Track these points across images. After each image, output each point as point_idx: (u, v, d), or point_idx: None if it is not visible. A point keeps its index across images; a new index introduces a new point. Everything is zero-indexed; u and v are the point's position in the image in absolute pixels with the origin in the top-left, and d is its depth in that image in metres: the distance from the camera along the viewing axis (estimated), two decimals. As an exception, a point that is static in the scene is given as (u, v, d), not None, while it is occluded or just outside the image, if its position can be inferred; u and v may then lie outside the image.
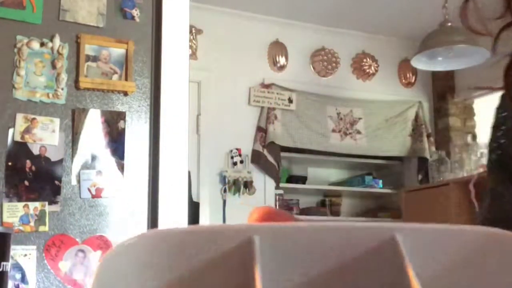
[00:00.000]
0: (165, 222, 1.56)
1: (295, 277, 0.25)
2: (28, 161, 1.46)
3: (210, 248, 0.25)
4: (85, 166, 1.52)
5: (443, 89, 4.65)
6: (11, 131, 1.46)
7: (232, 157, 4.00)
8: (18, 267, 1.39)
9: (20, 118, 1.47)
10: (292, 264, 0.25)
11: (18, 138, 1.46)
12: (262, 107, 4.14)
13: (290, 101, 4.21)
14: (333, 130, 4.33)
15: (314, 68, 4.44)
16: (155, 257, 0.25)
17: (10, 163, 1.45)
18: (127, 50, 1.59)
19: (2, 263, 0.81)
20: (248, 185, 3.97)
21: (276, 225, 0.26)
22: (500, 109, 0.65)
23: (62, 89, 1.52)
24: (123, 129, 1.57)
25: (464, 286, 0.24)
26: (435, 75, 4.63)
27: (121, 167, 1.55)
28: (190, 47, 3.79)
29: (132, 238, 0.25)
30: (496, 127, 0.64)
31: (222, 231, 0.25)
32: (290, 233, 0.25)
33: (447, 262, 0.24)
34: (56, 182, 1.48)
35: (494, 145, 0.64)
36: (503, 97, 0.65)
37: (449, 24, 3.34)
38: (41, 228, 1.44)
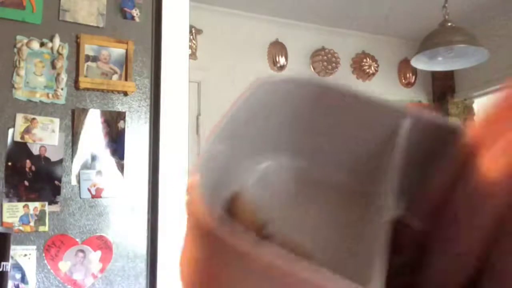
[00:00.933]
0: (165, 222, 1.56)
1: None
2: (28, 161, 1.46)
3: (359, 118, 0.25)
4: (85, 166, 1.52)
5: (443, 89, 4.65)
6: (11, 131, 1.46)
7: (232, 157, 4.00)
8: (18, 267, 1.39)
9: (20, 118, 1.47)
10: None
11: (18, 138, 1.46)
12: (262, 107, 4.13)
13: (290, 101, 4.21)
14: (333, 130, 4.33)
15: (314, 68, 4.44)
16: (308, 102, 0.25)
17: (10, 163, 1.45)
18: (127, 50, 1.59)
19: (2, 263, 0.81)
20: (248, 185, 3.97)
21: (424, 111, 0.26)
22: None
23: (62, 89, 1.52)
24: (123, 129, 1.57)
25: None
26: (435, 75, 4.63)
27: (121, 167, 1.55)
28: (190, 47, 3.80)
29: (299, 76, 0.26)
30: None
31: (376, 104, 0.26)
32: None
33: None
34: (56, 182, 1.48)
35: None
36: None
37: (449, 24, 3.34)
38: (41, 228, 1.44)
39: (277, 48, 4.32)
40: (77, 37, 1.56)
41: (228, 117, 0.23)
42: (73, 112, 1.53)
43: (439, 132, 0.24)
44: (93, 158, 1.53)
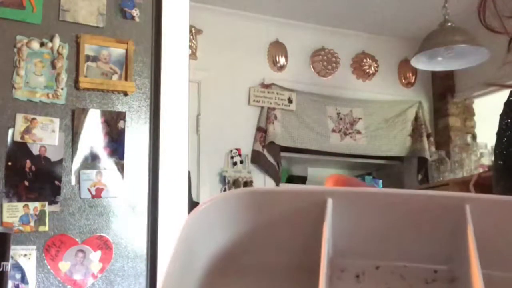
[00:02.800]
0: (165, 222, 1.56)
1: (363, 236, 0.27)
2: (28, 161, 1.46)
3: (287, 205, 0.28)
4: (85, 166, 1.52)
5: (443, 89, 4.65)
6: (11, 131, 1.46)
7: (232, 157, 4.00)
8: (18, 267, 1.39)
9: (20, 118, 1.47)
10: (361, 225, 0.27)
11: (18, 138, 1.46)
12: (262, 107, 4.13)
13: (290, 101, 4.21)
14: (333, 130, 4.33)
15: (314, 68, 4.44)
16: (238, 212, 0.28)
17: (10, 163, 1.45)
18: (127, 50, 1.59)
19: (2, 263, 0.81)
20: (248, 185, 3.97)
21: (349, 188, 0.29)
22: (504, 116, 0.65)
23: (62, 89, 1.52)
24: (123, 129, 1.57)
25: None
26: (435, 75, 4.63)
27: (121, 167, 1.55)
28: (190, 47, 3.79)
29: (219, 196, 0.28)
30: (500, 134, 0.64)
31: (299, 192, 0.28)
32: (363, 196, 0.27)
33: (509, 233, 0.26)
34: (56, 182, 1.48)
35: (498, 152, 0.64)
36: (506, 104, 0.65)
37: (449, 24, 3.34)
38: (41, 228, 1.44)
39: (277, 48, 4.31)
40: (77, 37, 1.56)
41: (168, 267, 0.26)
42: (73, 112, 1.53)
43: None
44: (93, 158, 1.53)
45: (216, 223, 0.28)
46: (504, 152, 0.62)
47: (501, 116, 0.65)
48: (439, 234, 0.27)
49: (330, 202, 0.26)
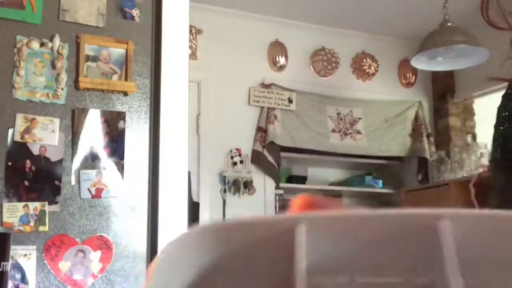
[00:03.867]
0: (165, 222, 1.56)
1: (338, 255, 0.27)
2: (28, 161, 1.46)
3: (252, 238, 0.27)
4: (85, 166, 1.52)
5: (443, 89, 4.66)
6: (11, 131, 1.46)
7: (232, 157, 4.00)
8: (18, 267, 1.39)
9: (20, 118, 1.47)
10: (337, 254, 0.27)
11: (18, 138, 1.46)
12: (262, 107, 4.14)
13: (290, 101, 4.21)
14: (333, 130, 4.33)
15: (314, 68, 4.44)
16: (206, 248, 0.27)
17: (10, 163, 1.45)
18: (127, 50, 1.59)
19: (2, 263, 0.81)
20: (248, 185, 3.97)
21: (318, 214, 0.28)
22: (501, 109, 0.65)
23: (62, 89, 1.52)
24: (123, 129, 1.57)
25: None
26: (435, 75, 4.63)
27: (121, 167, 1.55)
28: (190, 47, 3.79)
29: (187, 232, 0.28)
30: (498, 127, 0.64)
31: (262, 222, 0.27)
32: (335, 222, 0.27)
33: (491, 248, 0.26)
34: (56, 182, 1.48)
35: (496, 145, 0.64)
36: (504, 97, 0.65)
37: (449, 24, 3.34)
38: (41, 228, 1.44)
39: (277, 48, 4.32)
40: (77, 37, 1.56)
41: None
42: (73, 112, 1.53)
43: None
44: (93, 158, 1.53)
45: (184, 262, 0.27)
46: (502, 143, 0.62)
47: (499, 108, 0.65)
48: (417, 250, 0.27)
49: (301, 229, 0.26)
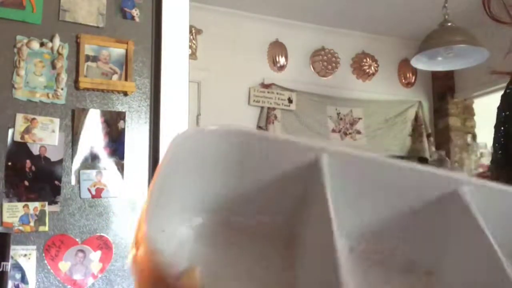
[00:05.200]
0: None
1: (356, 205, 0.26)
2: (28, 161, 1.46)
3: (279, 158, 0.26)
4: (85, 166, 1.52)
5: (443, 89, 4.66)
6: (11, 131, 1.46)
7: (232, 157, 4.00)
8: (18, 267, 1.39)
9: (20, 118, 1.47)
10: (355, 195, 0.26)
11: (18, 138, 1.46)
12: (262, 107, 4.14)
13: (290, 101, 4.21)
14: (333, 130, 4.33)
15: (314, 68, 4.44)
16: (230, 150, 0.26)
17: (10, 163, 1.45)
18: (127, 50, 1.59)
19: (2, 263, 0.81)
20: (248, 185, 3.97)
21: (346, 149, 0.27)
22: (501, 109, 0.65)
23: (62, 89, 1.52)
24: (123, 129, 1.57)
25: None
26: (435, 75, 4.63)
27: (121, 167, 1.55)
28: (190, 47, 3.79)
29: (213, 126, 0.27)
30: (498, 127, 0.64)
31: (295, 143, 0.26)
32: (360, 162, 0.26)
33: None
34: (56, 182, 1.48)
35: (497, 145, 0.64)
36: (504, 97, 0.65)
37: (449, 24, 3.34)
38: (41, 228, 1.44)
39: (277, 48, 4.32)
40: (77, 37, 1.56)
41: (158, 175, 0.25)
42: (73, 112, 1.53)
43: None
44: (93, 158, 1.53)
45: (206, 158, 0.26)
46: (503, 143, 0.62)
47: (499, 108, 0.65)
48: (440, 214, 0.27)
49: (325, 159, 0.25)
